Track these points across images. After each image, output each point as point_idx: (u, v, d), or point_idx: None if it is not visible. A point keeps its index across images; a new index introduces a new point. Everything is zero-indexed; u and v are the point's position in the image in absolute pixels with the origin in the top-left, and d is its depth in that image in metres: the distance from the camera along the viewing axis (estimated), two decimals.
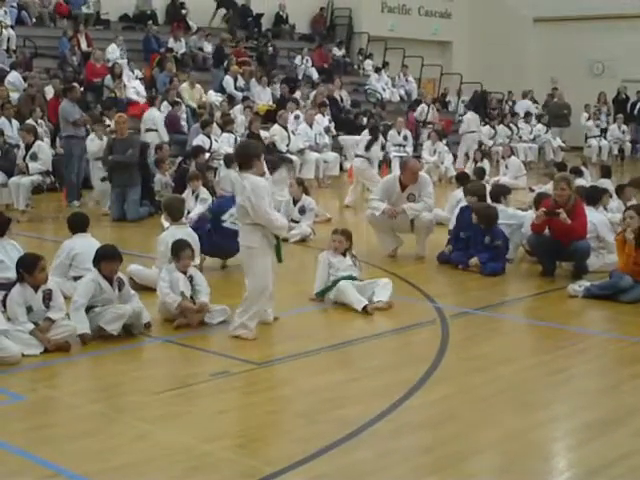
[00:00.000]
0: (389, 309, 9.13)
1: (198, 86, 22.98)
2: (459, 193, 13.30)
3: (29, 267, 7.71)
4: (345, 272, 9.43)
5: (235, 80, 24.27)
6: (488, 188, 12.48)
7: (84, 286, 8.00)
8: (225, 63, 24.98)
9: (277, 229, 8.01)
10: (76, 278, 9.18)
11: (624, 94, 30.88)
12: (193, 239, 9.37)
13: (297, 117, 22.03)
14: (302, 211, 13.52)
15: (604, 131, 29.45)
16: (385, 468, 5.36)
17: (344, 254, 9.56)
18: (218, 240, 10.54)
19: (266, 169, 16.13)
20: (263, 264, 7.97)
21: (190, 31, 26.40)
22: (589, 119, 29.51)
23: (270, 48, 27.47)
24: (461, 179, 14.56)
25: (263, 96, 24.31)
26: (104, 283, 7.99)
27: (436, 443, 5.84)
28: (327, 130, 22.44)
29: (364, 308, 8.99)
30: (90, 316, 7.91)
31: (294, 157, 19.46)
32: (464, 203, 11.95)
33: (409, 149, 22.48)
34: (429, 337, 8.30)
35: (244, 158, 8.17)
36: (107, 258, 8.10)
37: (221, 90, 23.89)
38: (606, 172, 16.26)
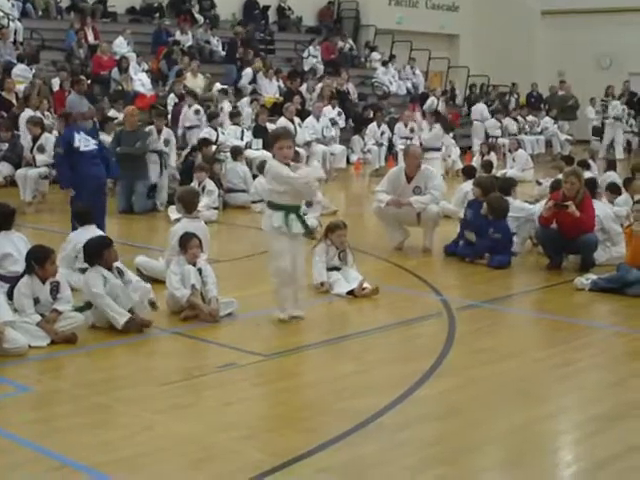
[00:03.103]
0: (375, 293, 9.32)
1: (200, 75, 22.98)
2: (466, 186, 13.29)
3: (41, 259, 7.72)
4: (328, 263, 9.65)
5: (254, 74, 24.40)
6: None
7: (94, 280, 7.99)
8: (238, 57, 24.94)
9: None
10: (82, 270, 9.19)
11: (629, 90, 30.75)
12: (204, 232, 9.35)
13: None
14: (309, 204, 13.50)
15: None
16: (392, 460, 5.36)
17: (337, 246, 9.68)
18: (85, 169, 10.98)
19: None
20: (278, 246, 8.23)
21: (196, 24, 26.39)
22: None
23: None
24: (468, 172, 14.56)
25: (269, 89, 24.30)
26: (106, 273, 7.99)
27: (443, 436, 5.84)
28: (334, 122, 22.45)
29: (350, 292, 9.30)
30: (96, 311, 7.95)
31: (301, 150, 19.44)
32: (472, 196, 11.95)
33: (416, 141, 22.43)
34: (435, 330, 8.29)
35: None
36: (107, 246, 8.10)
37: (233, 84, 23.93)
38: (612, 165, 16.24)
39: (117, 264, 8.19)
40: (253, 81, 24.40)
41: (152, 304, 8.23)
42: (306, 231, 8.34)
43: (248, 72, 24.42)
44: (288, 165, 8.22)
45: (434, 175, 11.91)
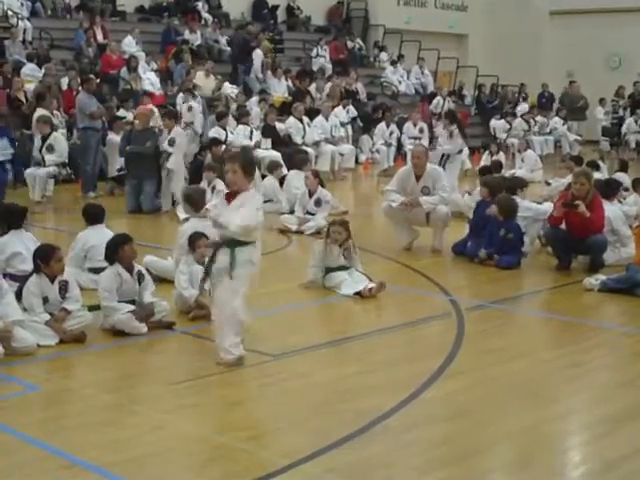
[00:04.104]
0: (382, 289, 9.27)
1: (212, 76, 23.01)
2: None
3: (45, 257, 7.73)
4: (334, 263, 9.59)
5: (265, 56, 24.48)
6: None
7: (107, 280, 8.00)
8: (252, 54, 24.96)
9: None
10: (91, 270, 9.22)
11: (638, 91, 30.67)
12: (213, 232, 9.33)
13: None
14: (318, 203, 13.50)
15: (620, 125, 29.35)
16: (398, 461, 5.36)
17: (340, 245, 9.63)
18: None
19: (282, 163, 16.32)
20: None
21: (204, 23, 26.37)
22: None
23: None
24: (484, 173, 14.53)
25: (278, 88, 24.33)
26: (125, 275, 7.99)
27: (450, 437, 5.82)
28: (353, 120, 22.61)
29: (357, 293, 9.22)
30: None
31: (309, 149, 19.47)
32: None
33: (425, 141, 22.40)
34: (444, 330, 8.28)
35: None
36: (124, 241, 8.10)
37: (244, 84, 23.98)
38: (623, 166, 16.22)
39: (140, 268, 8.22)
40: (263, 80, 24.41)
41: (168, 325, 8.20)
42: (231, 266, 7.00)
43: (258, 53, 24.49)
44: (232, 193, 7.33)
45: (442, 176, 11.89)
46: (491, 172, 14.54)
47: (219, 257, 7.09)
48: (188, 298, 8.44)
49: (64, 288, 7.76)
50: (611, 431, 5.94)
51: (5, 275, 8.43)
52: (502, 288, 10.00)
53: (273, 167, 15.79)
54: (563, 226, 10.56)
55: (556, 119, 28.03)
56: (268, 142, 19.03)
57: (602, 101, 29.92)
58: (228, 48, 25.74)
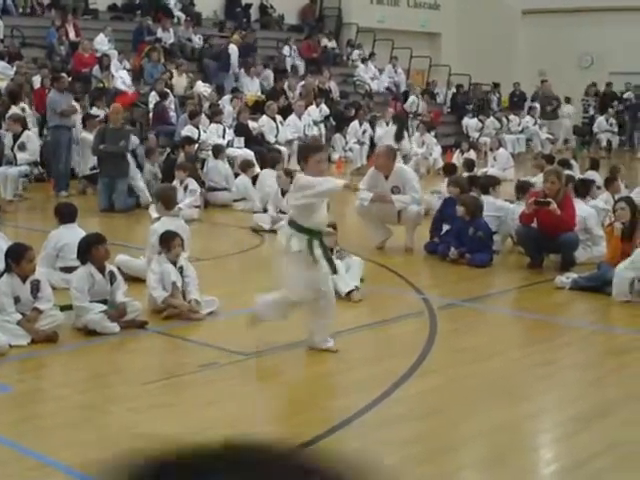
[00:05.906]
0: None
1: (184, 75, 22.97)
2: None
3: (17, 257, 7.69)
4: None
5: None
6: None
7: (80, 280, 7.97)
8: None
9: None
10: (63, 269, 9.18)
11: (611, 89, 30.88)
12: (184, 231, 9.34)
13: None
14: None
15: (591, 124, 29.57)
16: (373, 459, 5.36)
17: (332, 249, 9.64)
18: None
19: (255, 161, 16.31)
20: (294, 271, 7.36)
21: (174, 21, 26.27)
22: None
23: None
24: (448, 170, 14.60)
25: (251, 87, 24.31)
26: (97, 276, 7.97)
27: (423, 434, 5.85)
28: (326, 119, 22.59)
29: (348, 294, 9.11)
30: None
31: (282, 148, 19.47)
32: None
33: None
34: (417, 329, 8.31)
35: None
36: (97, 242, 8.08)
37: (217, 82, 23.96)
38: (594, 164, 16.34)
39: (111, 268, 8.20)
40: (236, 79, 24.38)
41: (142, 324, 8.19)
42: (329, 264, 7.42)
43: (234, 49, 24.47)
44: None
45: (410, 176, 11.94)
46: (456, 170, 14.61)
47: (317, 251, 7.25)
48: (156, 299, 8.42)
49: (36, 288, 7.72)
50: (582, 429, 5.98)
51: None
52: (474, 286, 10.05)
53: (246, 166, 15.79)
54: (535, 224, 10.63)
55: (527, 118, 28.20)
56: (241, 141, 19.03)
57: (569, 100, 30.11)
58: (200, 46, 25.66)
